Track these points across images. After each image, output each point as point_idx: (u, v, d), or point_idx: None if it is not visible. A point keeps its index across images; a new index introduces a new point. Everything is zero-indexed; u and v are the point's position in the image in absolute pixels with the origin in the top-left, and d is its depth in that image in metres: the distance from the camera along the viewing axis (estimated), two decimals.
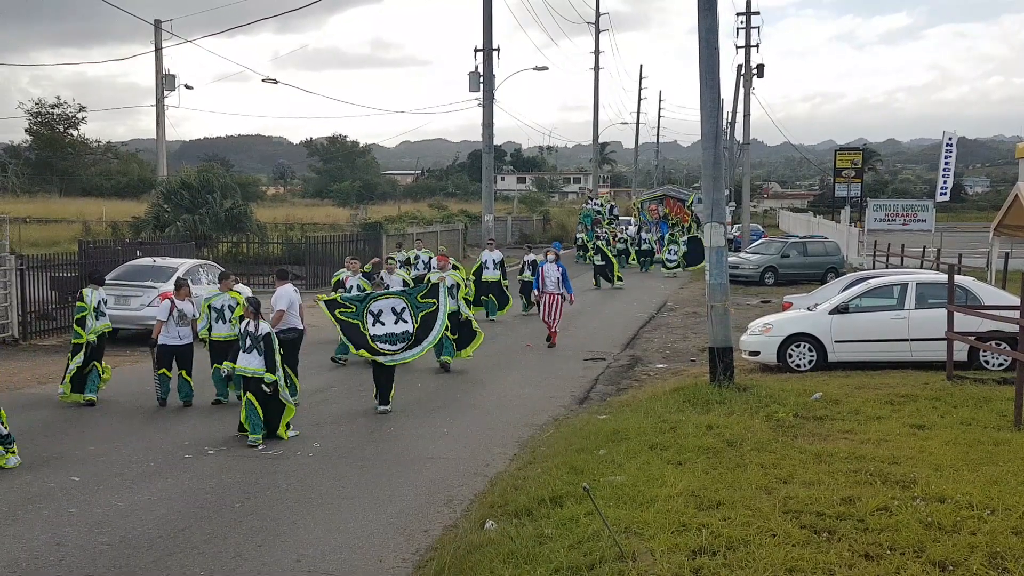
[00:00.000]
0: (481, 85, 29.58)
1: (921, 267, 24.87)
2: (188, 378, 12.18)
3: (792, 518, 6.83)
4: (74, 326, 12.26)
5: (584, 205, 42.80)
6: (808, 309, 15.21)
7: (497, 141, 38.53)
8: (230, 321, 12.01)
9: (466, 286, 15.77)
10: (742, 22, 41.70)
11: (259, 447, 9.95)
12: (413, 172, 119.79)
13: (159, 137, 34.04)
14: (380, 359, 11.69)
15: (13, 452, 9.23)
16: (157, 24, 32.00)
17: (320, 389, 13.22)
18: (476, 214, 42.76)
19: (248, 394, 10.20)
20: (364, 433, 10.81)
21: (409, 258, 21.03)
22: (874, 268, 27.04)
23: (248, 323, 10.45)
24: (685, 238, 35.87)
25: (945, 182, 37.65)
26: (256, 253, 29.52)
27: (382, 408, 11.72)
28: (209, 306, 12.18)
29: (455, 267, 19.40)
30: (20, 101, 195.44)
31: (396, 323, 11.69)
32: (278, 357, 10.37)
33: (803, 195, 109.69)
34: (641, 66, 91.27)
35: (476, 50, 29.51)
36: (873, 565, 5.96)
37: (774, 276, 29.77)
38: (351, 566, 6.83)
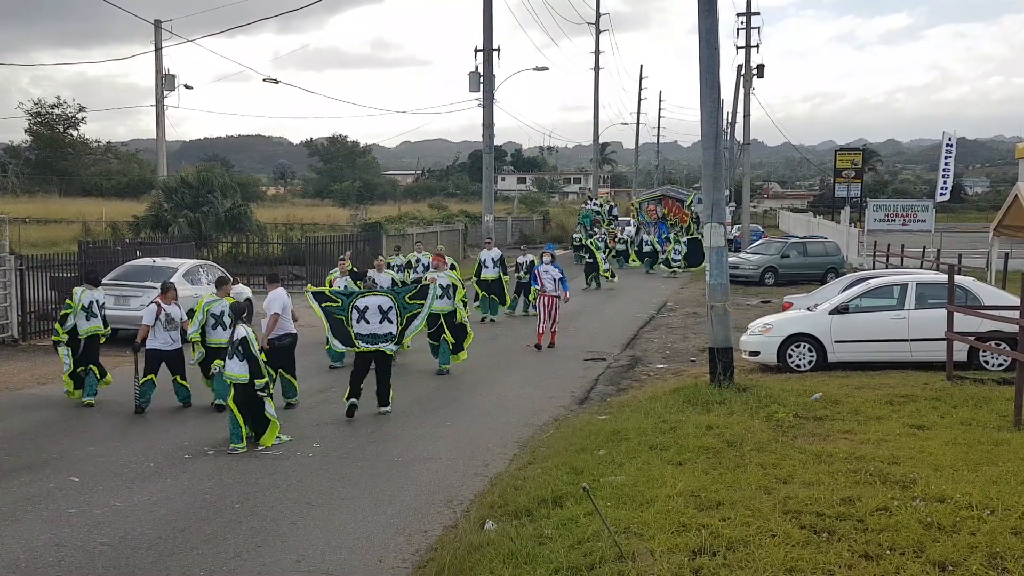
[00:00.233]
0: (481, 85, 29.59)
1: (921, 267, 24.87)
2: (183, 382, 12.01)
3: (792, 518, 6.83)
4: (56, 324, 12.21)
5: (583, 205, 42.74)
6: (808, 309, 15.21)
7: (497, 141, 38.51)
8: (229, 328, 11.80)
9: (463, 288, 15.57)
10: (742, 22, 41.75)
11: (239, 452, 9.81)
12: (413, 172, 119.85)
13: (159, 137, 34.05)
14: (353, 350, 11.59)
15: None
16: (157, 24, 32.03)
17: (320, 390, 13.22)
18: (476, 214, 42.77)
19: (230, 401, 10.03)
20: (364, 434, 10.81)
21: (410, 261, 20.99)
22: (874, 268, 27.05)
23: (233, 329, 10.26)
24: (685, 239, 35.87)
25: (945, 182, 37.63)
26: (256, 253, 29.53)
27: (383, 410, 11.68)
28: (208, 312, 11.82)
29: (452, 267, 19.40)
30: (20, 101, 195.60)
31: (381, 323, 11.48)
32: (261, 359, 10.15)
33: (803, 195, 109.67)
34: (641, 66, 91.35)
35: (476, 50, 29.54)
36: (873, 565, 5.96)
37: (774, 276, 29.77)
38: (351, 566, 6.83)
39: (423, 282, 12.43)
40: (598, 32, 55.18)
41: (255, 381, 9.97)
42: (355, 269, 16.36)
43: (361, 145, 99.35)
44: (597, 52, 55.16)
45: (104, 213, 42.25)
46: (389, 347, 11.63)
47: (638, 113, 73.60)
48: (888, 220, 40.49)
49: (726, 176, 34.29)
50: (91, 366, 12.21)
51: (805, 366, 14.01)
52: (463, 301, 15.03)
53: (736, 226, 43.06)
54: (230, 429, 10.01)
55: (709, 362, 12.44)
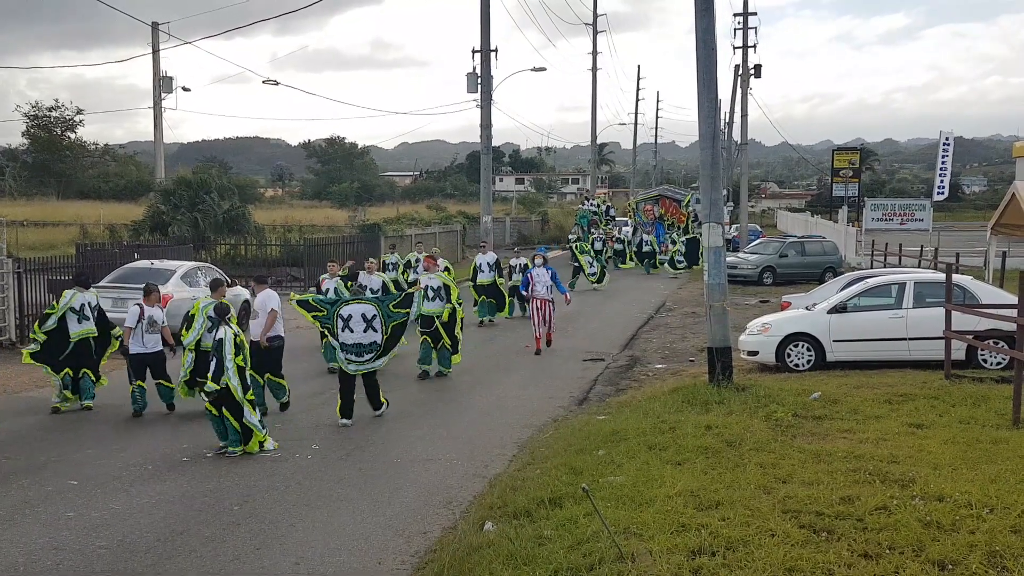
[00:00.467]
0: (479, 86, 29.55)
1: (919, 266, 24.89)
2: (168, 383, 11.84)
3: (791, 518, 6.83)
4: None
5: (580, 206, 42.72)
6: (806, 309, 15.21)
7: (495, 142, 38.46)
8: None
9: (456, 287, 15.21)
10: (739, 23, 41.73)
11: (237, 454, 9.73)
12: (411, 173, 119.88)
13: (157, 139, 34.02)
14: (348, 369, 11.33)
15: None
16: (154, 26, 32.00)
17: (319, 392, 13.21)
18: (474, 215, 42.77)
19: (208, 405, 9.86)
20: (363, 435, 10.80)
21: (409, 260, 20.98)
22: (872, 267, 27.06)
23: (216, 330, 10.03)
24: (684, 238, 35.84)
25: (942, 181, 37.73)
26: (254, 255, 29.49)
27: (376, 413, 11.63)
28: (207, 315, 11.46)
29: (447, 269, 19.32)
30: (17, 104, 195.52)
31: (365, 331, 11.25)
32: (230, 364, 9.70)
33: (801, 195, 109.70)
34: (639, 67, 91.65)
35: (474, 51, 29.50)
36: (872, 564, 5.95)
37: (772, 276, 29.78)
38: (350, 568, 6.82)
39: (409, 291, 12.26)
40: (595, 33, 55.20)
41: (209, 384, 9.67)
42: (346, 273, 16.19)
43: (359, 146, 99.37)
44: (594, 53, 55.19)
45: (102, 215, 42.20)
46: (374, 365, 11.41)
47: (636, 113, 73.99)
48: (886, 219, 40.52)
49: (724, 176, 34.33)
50: (85, 370, 12.10)
51: (804, 365, 14.01)
52: (459, 302, 14.72)
53: (734, 226, 43.08)
54: (216, 432, 9.89)
55: (708, 362, 12.44)
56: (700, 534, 6.51)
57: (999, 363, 13.30)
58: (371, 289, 16.18)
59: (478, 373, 14.86)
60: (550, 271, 17.20)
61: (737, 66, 42.87)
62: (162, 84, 32.72)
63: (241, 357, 9.83)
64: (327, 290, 14.86)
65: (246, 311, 10.95)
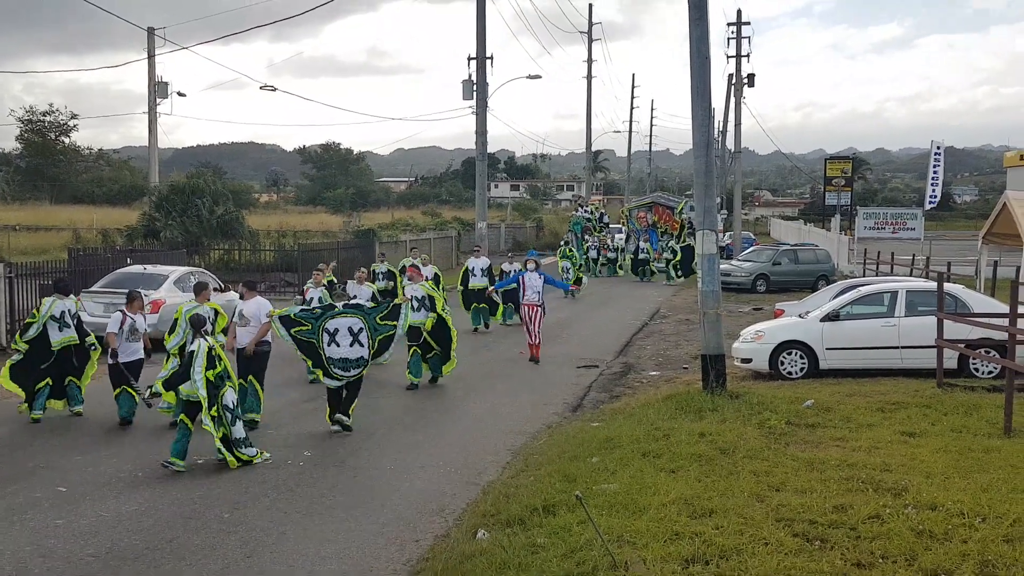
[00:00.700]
0: (475, 93, 29.60)
1: (911, 275, 24.96)
2: (133, 392, 11.31)
3: (784, 526, 6.83)
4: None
5: (574, 213, 42.74)
6: (799, 316, 15.24)
7: (491, 149, 38.53)
8: (212, 334, 11.22)
9: (441, 296, 14.89)
10: (733, 32, 41.88)
11: (181, 469, 9.33)
12: (407, 179, 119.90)
13: (151, 144, 34.02)
14: (331, 383, 11.08)
15: None
16: (150, 31, 32.01)
17: (311, 398, 13.15)
18: (470, 221, 42.78)
19: (183, 416, 9.56)
20: (355, 442, 10.75)
21: (404, 266, 20.89)
22: (864, 276, 27.12)
23: (191, 341, 9.71)
24: (680, 246, 35.70)
25: (934, 191, 37.77)
26: (248, 260, 29.44)
27: (339, 418, 11.11)
28: (189, 319, 10.99)
29: (436, 276, 19.25)
30: (11, 108, 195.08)
31: (352, 345, 10.95)
32: (198, 377, 9.32)
33: (794, 203, 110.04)
34: (633, 75, 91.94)
35: (470, 58, 29.55)
36: (865, 573, 5.95)
37: (766, 283, 29.84)
38: None
39: (395, 301, 11.84)
40: (590, 41, 55.41)
41: (150, 387, 9.44)
42: (335, 280, 16.02)
43: (355, 152, 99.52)
44: (589, 61, 55.39)
45: (95, 220, 42.12)
46: (360, 372, 11.14)
47: (630, 121, 73.80)
48: (878, 228, 40.62)
49: (718, 184, 34.34)
50: (70, 377, 11.88)
51: (797, 373, 14.03)
52: (445, 310, 14.38)
53: (728, 233, 43.17)
54: (178, 443, 9.44)
55: (702, 369, 12.45)
56: (694, 542, 6.50)
57: (991, 372, 13.33)
58: (359, 300, 16.00)
59: (472, 380, 14.82)
60: (542, 276, 16.98)
61: (731, 75, 43.11)
62: (157, 89, 32.75)
63: (213, 372, 9.47)
64: (311, 299, 14.54)
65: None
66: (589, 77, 55.22)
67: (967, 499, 7.25)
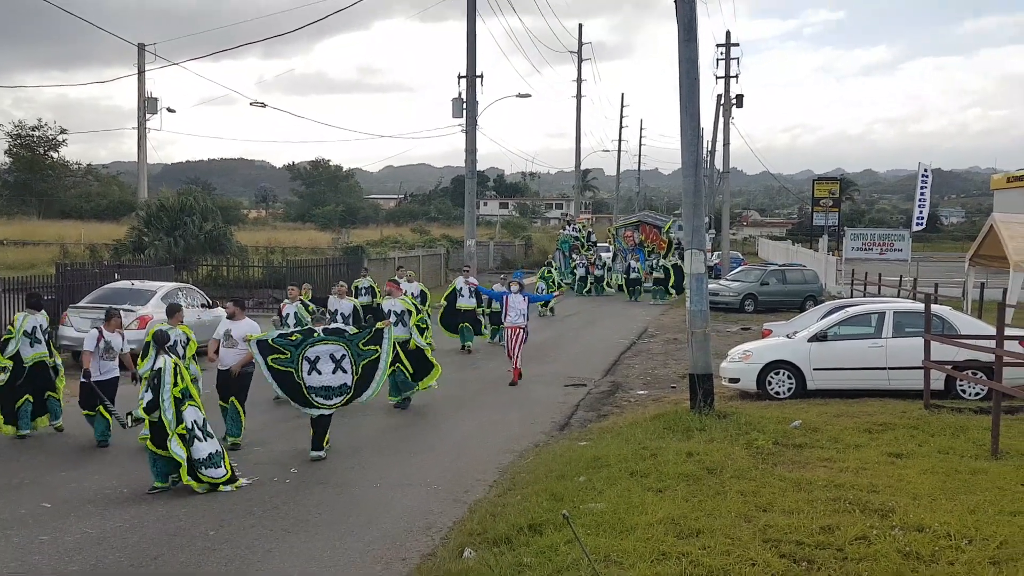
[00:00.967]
0: (464, 111, 29.71)
1: (898, 296, 25.10)
2: (107, 415, 10.98)
3: (771, 547, 6.82)
4: None
5: (562, 231, 42.81)
6: (787, 337, 15.28)
7: (480, 167, 38.62)
8: (185, 357, 11.10)
9: (419, 312, 14.57)
10: (722, 53, 42.22)
11: (156, 491, 9.17)
12: (396, 197, 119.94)
13: (140, 160, 33.95)
14: (311, 412, 10.67)
15: None
16: (140, 47, 32.04)
17: (296, 415, 13.05)
18: (458, 239, 42.79)
19: (148, 442, 9.25)
20: (341, 460, 10.70)
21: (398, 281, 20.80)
22: (852, 296, 27.25)
23: (155, 359, 9.47)
24: (669, 264, 35.64)
25: (921, 212, 38.09)
26: (236, 276, 29.35)
27: (315, 454, 10.61)
28: (152, 335, 10.77)
29: (422, 293, 19.14)
30: (0, 123, 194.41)
31: (335, 372, 10.57)
32: (167, 396, 9.13)
33: (782, 223, 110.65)
34: (623, 95, 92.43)
35: (460, 77, 29.67)
36: None
37: (754, 303, 29.93)
38: None
39: (378, 326, 11.31)
40: (580, 61, 55.69)
41: (131, 412, 9.18)
42: (312, 298, 15.80)
43: (344, 169, 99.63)
44: (579, 80, 55.67)
45: (83, 235, 41.98)
46: (343, 401, 10.75)
47: (619, 140, 74.07)
48: (865, 249, 40.86)
49: (706, 203, 34.54)
50: (48, 392, 11.68)
51: (784, 393, 14.05)
52: (418, 326, 14.16)
53: (716, 253, 43.32)
54: (152, 468, 9.25)
55: (689, 389, 12.46)
56: (680, 562, 6.49)
57: (978, 394, 13.38)
58: (342, 314, 15.78)
59: (459, 398, 14.79)
60: (526, 297, 16.84)
61: (720, 95, 43.35)
62: (147, 105, 32.72)
63: (179, 388, 9.28)
64: (287, 314, 14.33)
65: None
66: (578, 96, 55.56)
67: (954, 521, 7.27)
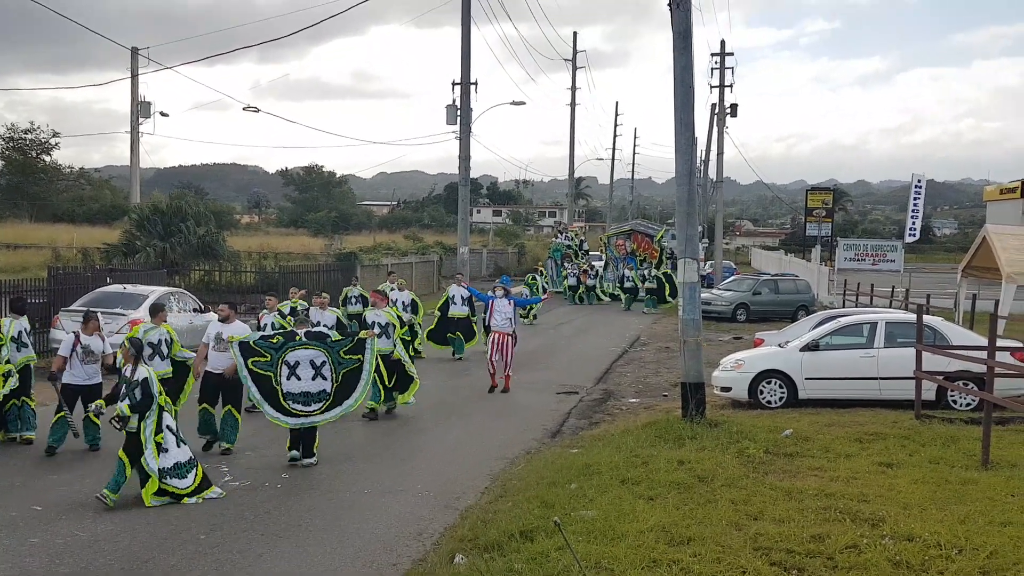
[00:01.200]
0: (459, 118, 29.74)
1: (890, 306, 25.17)
2: (96, 420, 10.76)
3: (762, 555, 6.84)
4: None
5: (554, 239, 42.82)
6: (779, 346, 15.32)
7: (474, 174, 38.72)
8: (169, 357, 11.13)
9: (403, 326, 14.29)
10: (717, 62, 42.40)
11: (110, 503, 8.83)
12: (389, 203, 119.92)
13: (133, 164, 33.89)
14: (288, 422, 10.47)
15: None
16: (134, 51, 32.04)
17: None
18: (451, 246, 42.78)
19: (120, 450, 9.06)
20: (333, 466, 10.68)
21: (384, 291, 20.72)
22: (844, 307, 27.33)
23: (126, 368, 9.17)
24: (660, 273, 35.64)
25: (914, 223, 38.30)
26: (229, 281, 29.29)
27: (307, 461, 10.51)
28: (146, 341, 10.74)
29: (413, 302, 19.09)
30: None
31: (314, 379, 10.45)
32: (155, 403, 9.01)
33: (775, 233, 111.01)
34: (617, 103, 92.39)
35: (454, 83, 29.72)
36: None
37: (746, 313, 30.00)
38: None
39: (360, 335, 11.16)
40: (574, 69, 55.81)
41: (121, 408, 8.97)
42: (296, 304, 15.68)
43: (337, 175, 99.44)
44: (573, 88, 55.76)
45: (75, 239, 41.80)
46: (318, 420, 10.58)
47: (613, 149, 74.16)
48: (858, 259, 41.04)
49: (699, 213, 34.58)
50: (24, 398, 11.43)
51: (776, 402, 14.09)
52: (403, 338, 14.01)
53: (709, 262, 43.41)
54: (114, 478, 8.98)
55: (681, 397, 12.48)
56: (671, 570, 6.50)
57: (968, 404, 13.43)
58: (324, 326, 15.66)
59: (451, 405, 14.79)
60: (512, 301, 16.52)
61: (714, 105, 43.50)
62: (140, 109, 32.68)
63: (163, 397, 9.21)
64: (265, 325, 14.12)
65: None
66: (573, 104, 55.65)
67: (944, 530, 7.29)
